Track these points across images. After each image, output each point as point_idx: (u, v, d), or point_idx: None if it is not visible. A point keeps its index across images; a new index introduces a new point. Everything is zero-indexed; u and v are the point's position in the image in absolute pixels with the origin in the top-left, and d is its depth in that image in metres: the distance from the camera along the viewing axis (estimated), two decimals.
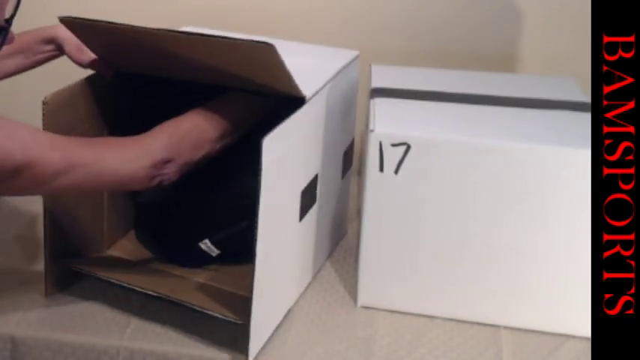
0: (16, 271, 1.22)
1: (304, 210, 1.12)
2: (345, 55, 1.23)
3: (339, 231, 1.32)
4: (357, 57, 1.25)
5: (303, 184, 1.10)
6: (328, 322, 1.12)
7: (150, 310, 1.12)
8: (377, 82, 1.21)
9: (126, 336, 1.08)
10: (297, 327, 1.11)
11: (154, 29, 0.99)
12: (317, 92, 1.08)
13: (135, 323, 1.10)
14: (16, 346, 1.07)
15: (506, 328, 1.12)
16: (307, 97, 1.03)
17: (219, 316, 1.03)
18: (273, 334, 1.08)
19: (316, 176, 1.14)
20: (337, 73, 1.16)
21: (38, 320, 1.10)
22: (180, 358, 1.05)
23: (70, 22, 1.06)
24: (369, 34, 1.57)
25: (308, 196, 1.12)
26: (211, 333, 1.08)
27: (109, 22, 1.02)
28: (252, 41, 0.93)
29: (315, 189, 1.15)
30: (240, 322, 1.01)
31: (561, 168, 1.01)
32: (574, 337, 1.09)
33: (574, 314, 1.07)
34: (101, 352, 1.06)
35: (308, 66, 1.15)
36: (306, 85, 1.03)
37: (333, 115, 1.16)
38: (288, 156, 1.02)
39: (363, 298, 1.16)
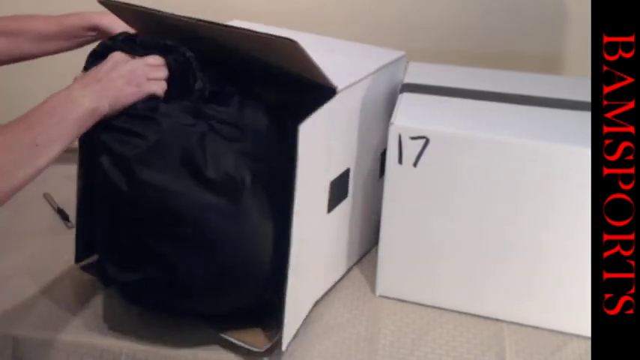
0: (18, 270, 1.23)
1: (334, 202, 1.12)
2: (389, 55, 1.22)
3: (376, 233, 1.28)
4: (402, 57, 1.24)
5: (333, 175, 1.10)
6: (330, 320, 1.13)
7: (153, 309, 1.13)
8: (409, 79, 1.22)
9: (128, 335, 1.08)
10: (300, 325, 1.11)
11: (192, 19, 1.00)
12: (351, 85, 1.07)
13: (138, 322, 1.10)
14: (18, 346, 1.08)
15: (509, 327, 1.12)
16: (339, 89, 1.02)
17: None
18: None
19: (347, 170, 1.14)
20: (377, 71, 1.15)
21: (40, 320, 1.11)
22: (183, 358, 1.06)
23: (108, 5, 1.10)
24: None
25: (338, 189, 1.12)
26: (213, 333, 1.08)
27: (144, 8, 1.03)
28: (278, 37, 0.92)
29: (347, 183, 1.15)
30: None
31: (575, 167, 1.01)
32: (578, 336, 1.09)
33: (579, 313, 1.07)
34: (104, 352, 1.06)
35: (348, 62, 1.15)
36: (341, 79, 1.03)
37: (370, 111, 1.16)
38: (319, 145, 1.02)
39: (382, 288, 1.18)
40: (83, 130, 0.95)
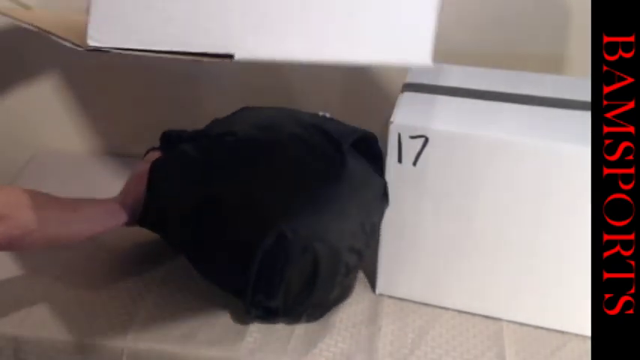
0: (18, 270, 1.23)
1: None
2: None
3: None
4: None
5: None
6: (330, 319, 1.13)
7: (154, 309, 1.13)
8: (410, 78, 1.22)
9: (130, 336, 1.08)
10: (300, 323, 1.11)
11: None
12: None
13: (139, 323, 1.10)
14: (19, 346, 1.08)
15: (509, 326, 1.12)
16: None
17: None
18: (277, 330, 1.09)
19: None
20: None
21: (41, 320, 1.11)
22: (185, 358, 1.06)
23: None
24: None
25: None
26: (215, 333, 1.08)
27: None
28: None
29: None
30: None
31: (575, 167, 1.01)
32: (577, 336, 1.09)
33: (579, 313, 1.07)
34: (105, 352, 1.06)
35: None
36: None
37: None
38: None
39: (382, 286, 1.18)
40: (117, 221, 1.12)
